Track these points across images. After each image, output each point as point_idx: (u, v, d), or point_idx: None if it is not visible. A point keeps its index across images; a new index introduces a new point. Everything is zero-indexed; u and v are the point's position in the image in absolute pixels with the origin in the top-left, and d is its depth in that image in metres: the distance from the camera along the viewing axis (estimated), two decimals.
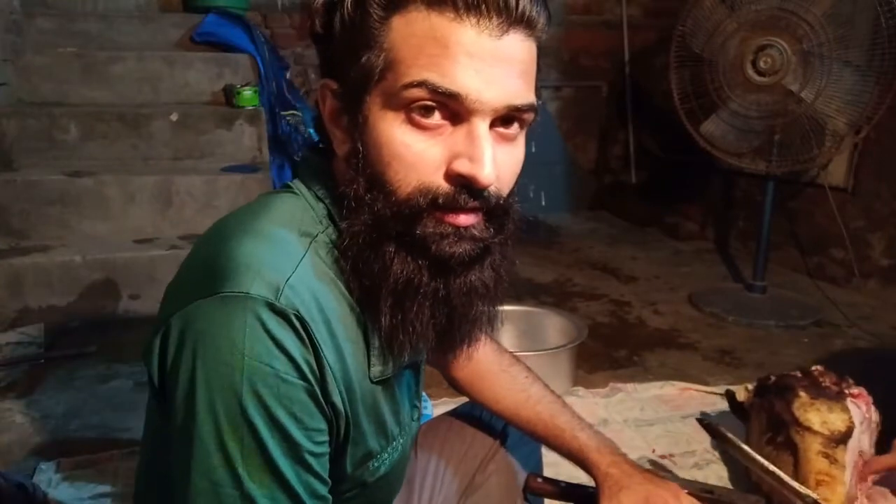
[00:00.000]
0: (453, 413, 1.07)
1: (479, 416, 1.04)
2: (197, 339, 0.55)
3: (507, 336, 2.09)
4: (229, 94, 2.89)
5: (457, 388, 1.01)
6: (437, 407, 1.71)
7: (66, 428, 1.70)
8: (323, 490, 0.60)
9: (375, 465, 0.70)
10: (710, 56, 2.44)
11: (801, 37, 2.26)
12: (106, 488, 1.47)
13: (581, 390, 1.95)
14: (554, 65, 3.94)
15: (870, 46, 2.29)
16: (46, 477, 1.50)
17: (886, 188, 2.69)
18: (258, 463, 0.55)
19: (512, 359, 1.00)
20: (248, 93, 2.83)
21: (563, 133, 3.96)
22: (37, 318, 2.23)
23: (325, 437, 0.60)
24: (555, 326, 2.12)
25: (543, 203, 3.88)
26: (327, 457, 0.61)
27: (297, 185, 0.68)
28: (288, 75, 3.21)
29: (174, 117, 2.71)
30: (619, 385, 1.98)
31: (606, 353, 2.22)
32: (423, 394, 1.72)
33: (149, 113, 2.71)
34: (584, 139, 4.12)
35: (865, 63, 2.28)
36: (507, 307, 2.24)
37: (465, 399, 1.06)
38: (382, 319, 0.62)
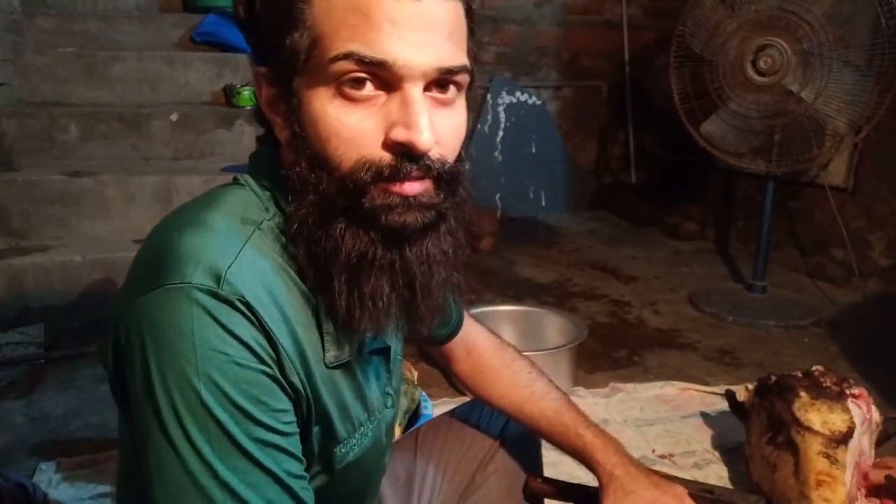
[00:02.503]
0: (453, 413, 1.07)
1: (478, 416, 1.04)
2: (146, 334, 0.55)
3: (507, 336, 2.07)
4: (229, 94, 2.89)
5: (458, 383, 1.01)
6: (437, 407, 1.71)
7: (66, 428, 1.70)
8: (299, 469, 0.60)
9: (343, 450, 0.70)
10: (710, 56, 2.44)
11: (801, 37, 2.26)
12: (106, 488, 1.47)
13: (581, 390, 1.95)
14: (554, 65, 3.94)
15: (870, 46, 2.29)
16: (46, 477, 1.50)
17: (886, 188, 2.69)
18: (229, 451, 0.55)
19: (515, 354, 1.00)
20: (248, 93, 2.83)
21: (563, 133, 3.95)
22: (37, 318, 2.22)
23: (292, 417, 0.60)
24: (555, 326, 2.13)
25: (543, 203, 3.88)
26: (298, 436, 0.61)
27: (244, 176, 0.68)
28: None
29: (174, 117, 2.71)
30: (619, 385, 1.98)
31: (606, 353, 2.22)
32: (424, 394, 1.73)
33: (149, 113, 2.70)
34: (584, 139, 4.12)
35: (865, 63, 2.28)
36: (507, 307, 2.24)
37: (465, 399, 1.06)
38: (339, 298, 0.61)
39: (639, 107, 3.88)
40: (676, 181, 3.65)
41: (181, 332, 0.54)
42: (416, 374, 1.79)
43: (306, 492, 0.60)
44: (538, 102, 3.81)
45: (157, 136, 2.70)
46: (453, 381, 1.91)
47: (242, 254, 0.59)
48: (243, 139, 2.79)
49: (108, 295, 2.31)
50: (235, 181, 0.68)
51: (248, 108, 2.81)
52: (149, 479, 0.56)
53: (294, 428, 0.60)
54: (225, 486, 0.54)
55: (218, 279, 0.56)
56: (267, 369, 0.57)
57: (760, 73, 2.33)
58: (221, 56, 3.01)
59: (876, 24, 2.23)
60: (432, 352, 1.01)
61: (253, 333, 0.56)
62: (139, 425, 0.56)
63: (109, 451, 1.59)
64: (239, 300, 0.56)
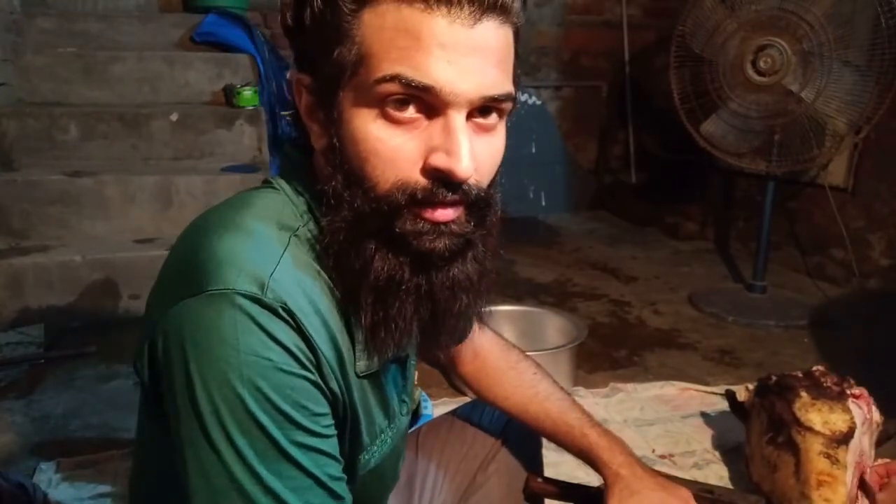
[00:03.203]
0: (453, 413, 1.07)
1: (479, 416, 1.04)
2: (187, 340, 0.55)
3: (507, 336, 2.07)
4: (229, 94, 2.88)
5: (462, 384, 1.01)
6: (437, 407, 1.71)
7: (66, 428, 1.70)
8: (338, 471, 0.60)
9: (366, 457, 0.70)
10: (710, 56, 2.44)
11: (801, 37, 2.26)
12: (106, 488, 1.47)
13: (581, 390, 1.95)
14: (554, 65, 3.94)
15: (870, 46, 2.29)
16: (46, 477, 1.50)
17: (886, 188, 2.69)
18: (273, 456, 0.55)
19: (520, 355, 1.00)
20: (248, 93, 2.83)
21: (563, 133, 3.96)
22: (37, 318, 2.22)
23: (331, 421, 0.60)
24: (555, 326, 2.12)
25: (543, 203, 3.88)
26: (336, 438, 0.61)
27: (278, 180, 0.67)
28: (288, 75, 3.21)
29: (174, 117, 2.71)
30: (619, 385, 1.98)
31: (606, 353, 2.22)
32: (424, 394, 1.73)
33: (149, 113, 2.70)
34: (584, 139, 4.12)
35: (865, 63, 2.28)
36: (507, 307, 2.24)
37: (465, 399, 1.05)
38: (364, 316, 0.62)
39: (639, 107, 3.88)
40: (676, 181, 3.65)
41: (224, 338, 0.54)
42: (416, 374, 1.79)
43: (346, 493, 0.61)
44: (538, 102, 3.81)
45: (157, 136, 2.70)
46: (454, 381, 1.92)
47: (283, 260, 0.59)
48: (243, 139, 2.79)
49: (109, 295, 2.31)
50: (267, 184, 0.68)
51: (249, 108, 2.81)
52: (188, 485, 0.56)
53: (333, 431, 0.61)
54: (269, 490, 0.55)
55: (262, 286, 0.56)
56: (309, 375, 0.57)
57: (760, 73, 2.33)
58: (221, 56, 3.00)
59: (876, 24, 2.23)
60: (428, 354, 1.00)
61: (294, 340, 0.56)
62: (178, 431, 0.56)
63: (109, 451, 1.59)
64: (282, 307, 0.56)
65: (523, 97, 3.74)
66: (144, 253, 2.35)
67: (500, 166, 0.65)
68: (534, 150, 3.81)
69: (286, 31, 0.64)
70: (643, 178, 3.94)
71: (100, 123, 2.64)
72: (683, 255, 3.32)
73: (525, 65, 3.87)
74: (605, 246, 3.43)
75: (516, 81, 0.62)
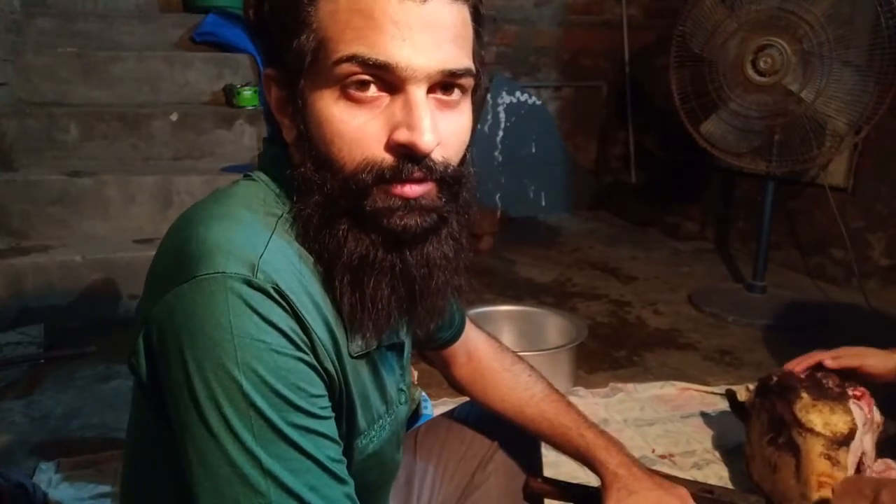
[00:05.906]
0: (452, 414, 1.07)
1: (477, 416, 1.04)
2: (181, 326, 0.54)
3: (507, 336, 2.09)
4: (229, 94, 2.89)
5: (458, 388, 1.01)
6: (437, 407, 1.71)
7: (66, 428, 1.70)
8: (338, 453, 0.60)
9: (363, 442, 0.70)
10: (710, 56, 2.43)
11: (801, 37, 2.26)
12: (106, 488, 1.47)
13: (581, 390, 1.95)
14: (554, 65, 3.94)
15: (870, 46, 2.29)
16: (46, 477, 1.50)
17: (886, 188, 2.69)
18: (271, 438, 0.55)
19: (514, 357, 0.99)
20: (248, 93, 2.83)
21: (563, 133, 3.96)
22: (37, 318, 2.22)
23: (328, 403, 0.60)
24: (555, 326, 2.12)
25: (543, 203, 3.88)
26: (334, 420, 0.61)
27: (256, 173, 0.68)
28: None
29: (174, 117, 2.71)
30: (619, 385, 1.98)
31: (606, 353, 2.22)
32: (424, 394, 1.73)
33: (149, 113, 2.70)
34: (584, 139, 4.12)
35: (865, 63, 2.28)
36: (507, 307, 2.24)
37: (464, 399, 1.05)
38: (341, 298, 0.62)
39: (639, 107, 3.88)
40: (676, 181, 3.65)
41: (218, 322, 0.54)
42: (415, 374, 1.79)
43: (347, 476, 0.61)
44: (538, 102, 3.81)
45: (157, 136, 2.70)
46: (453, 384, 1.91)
47: (272, 243, 0.59)
48: (243, 139, 2.79)
49: (109, 295, 2.31)
50: (247, 178, 0.68)
51: (249, 108, 2.81)
52: (190, 474, 0.56)
53: (330, 413, 0.60)
54: (269, 474, 0.54)
55: (252, 268, 0.56)
56: (304, 356, 0.57)
57: (760, 73, 2.33)
58: (221, 56, 3.01)
59: (876, 24, 2.23)
60: (433, 356, 1.00)
61: (288, 321, 0.57)
62: (178, 420, 0.56)
63: (109, 451, 1.58)
64: (273, 288, 0.56)
65: (523, 97, 3.74)
66: (144, 253, 2.34)
67: (470, 144, 0.65)
68: (534, 150, 3.80)
69: (250, 28, 0.65)
70: (643, 178, 3.94)
71: (100, 123, 2.64)
72: (683, 255, 3.32)
73: (525, 65, 3.87)
74: (605, 246, 3.43)
75: (478, 59, 0.63)
